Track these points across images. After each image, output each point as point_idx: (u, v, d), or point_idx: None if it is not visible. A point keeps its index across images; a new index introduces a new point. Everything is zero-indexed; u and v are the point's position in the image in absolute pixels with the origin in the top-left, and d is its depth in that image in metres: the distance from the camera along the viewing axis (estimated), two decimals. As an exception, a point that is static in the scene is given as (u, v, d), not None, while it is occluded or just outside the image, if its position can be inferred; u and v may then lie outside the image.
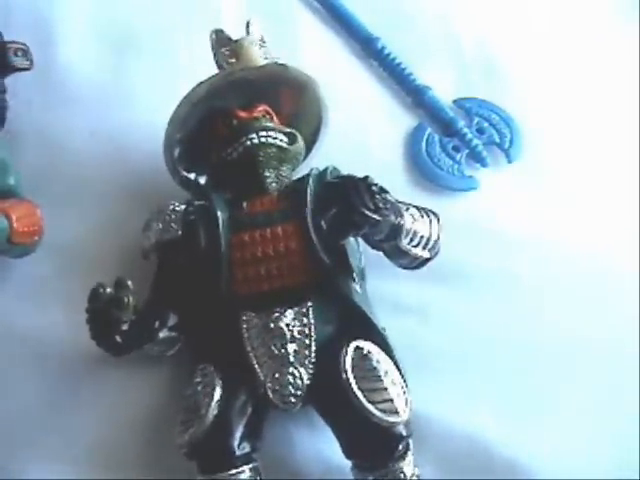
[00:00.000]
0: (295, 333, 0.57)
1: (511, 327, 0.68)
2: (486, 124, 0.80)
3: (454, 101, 0.82)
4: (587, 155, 0.79)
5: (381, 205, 0.54)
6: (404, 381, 0.57)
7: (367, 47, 0.84)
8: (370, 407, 0.54)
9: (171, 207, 0.64)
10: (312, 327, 0.58)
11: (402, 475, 0.55)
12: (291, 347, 0.57)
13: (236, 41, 0.66)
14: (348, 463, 0.57)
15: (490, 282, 0.71)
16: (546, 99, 0.83)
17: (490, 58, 0.86)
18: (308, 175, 0.63)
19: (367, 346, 0.57)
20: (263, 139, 0.63)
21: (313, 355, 0.57)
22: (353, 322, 0.59)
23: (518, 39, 0.87)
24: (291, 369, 0.57)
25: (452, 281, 0.70)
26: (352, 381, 0.55)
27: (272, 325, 0.58)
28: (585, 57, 0.86)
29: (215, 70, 0.66)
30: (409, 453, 0.56)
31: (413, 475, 0.56)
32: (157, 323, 0.60)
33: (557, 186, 0.77)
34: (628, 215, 0.76)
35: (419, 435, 0.59)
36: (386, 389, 0.55)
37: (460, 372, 0.66)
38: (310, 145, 0.71)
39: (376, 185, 0.55)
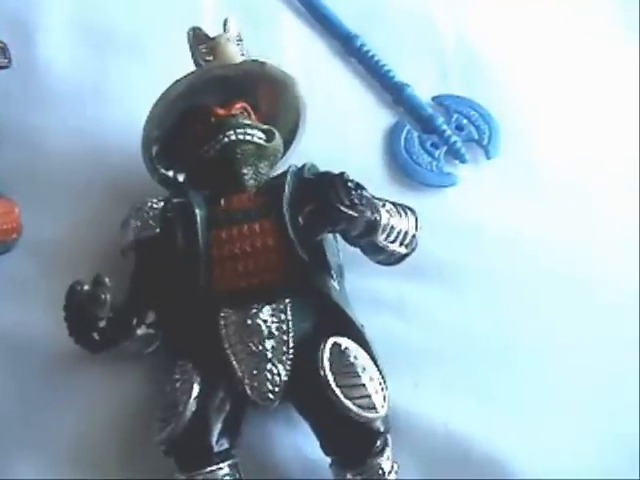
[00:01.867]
0: (273, 329, 0.57)
1: (490, 323, 0.69)
2: (465, 121, 0.80)
3: (433, 98, 0.82)
4: (565, 151, 0.80)
5: (357, 201, 0.54)
6: (382, 377, 0.58)
7: (346, 44, 0.84)
8: (348, 403, 0.54)
9: (149, 204, 0.64)
10: (290, 323, 0.58)
11: (380, 470, 0.55)
12: (269, 343, 0.57)
13: (213, 38, 0.66)
14: (327, 459, 0.57)
15: (469, 278, 0.71)
16: (525, 96, 0.83)
17: (469, 55, 0.86)
18: (286, 172, 0.63)
19: (345, 342, 0.57)
20: (241, 136, 0.63)
21: (291, 351, 0.57)
22: (331, 318, 0.59)
23: (497, 36, 0.88)
24: (269, 365, 0.57)
25: (431, 277, 0.70)
26: (330, 377, 0.55)
27: (250, 321, 0.58)
28: (564, 54, 0.87)
29: (193, 68, 0.66)
30: (387, 449, 0.56)
31: (392, 470, 0.56)
32: (135, 320, 0.60)
33: (535, 182, 0.77)
34: (607, 210, 0.76)
35: (398, 431, 0.59)
36: (364, 385, 0.55)
37: (439, 368, 0.66)
38: (288, 142, 0.71)
39: (352, 181, 0.55)
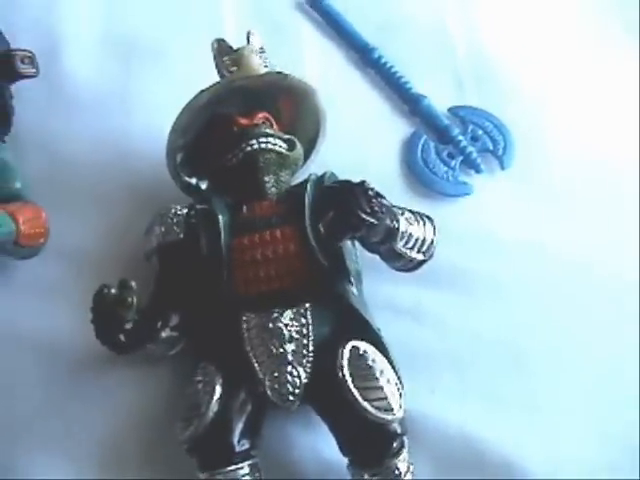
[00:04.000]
0: (293, 333, 0.59)
1: (504, 328, 0.70)
2: (480, 132, 0.82)
3: (449, 109, 0.84)
4: (579, 161, 0.81)
5: (377, 209, 0.55)
6: (399, 380, 0.59)
7: (365, 57, 0.86)
8: (366, 405, 0.55)
9: (173, 211, 0.65)
10: (310, 327, 0.59)
11: (397, 471, 0.56)
12: (289, 347, 0.58)
13: (237, 50, 0.68)
14: (344, 460, 0.58)
15: (483, 285, 0.72)
16: (539, 107, 0.84)
17: (484, 67, 0.87)
18: (306, 180, 0.64)
19: (363, 346, 0.58)
20: (263, 145, 0.65)
21: (311, 354, 0.58)
22: (350, 323, 0.60)
23: (512, 48, 0.89)
24: (289, 368, 0.58)
25: (446, 284, 0.71)
26: (348, 379, 0.56)
27: (271, 325, 0.59)
28: (578, 65, 0.88)
29: (217, 78, 0.67)
30: (404, 450, 0.57)
31: (408, 472, 0.57)
32: (159, 323, 0.61)
33: (549, 192, 0.78)
34: (621, 219, 0.77)
35: (414, 433, 0.60)
36: (381, 388, 0.56)
37: (454, 372, 0.67)
38: (309, 151, 0.72)
39: (372, 189, 0.56)
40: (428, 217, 0.64)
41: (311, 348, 0.58)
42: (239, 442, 0.57)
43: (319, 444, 0.63)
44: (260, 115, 0.67)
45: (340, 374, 0.56)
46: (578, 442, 0.65)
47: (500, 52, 0.89)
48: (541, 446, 0.64)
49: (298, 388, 0.58)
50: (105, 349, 0.60)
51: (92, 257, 0.71)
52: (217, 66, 0.68)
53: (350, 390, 0.56)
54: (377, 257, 0.64)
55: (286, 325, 0.59)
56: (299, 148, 0.68)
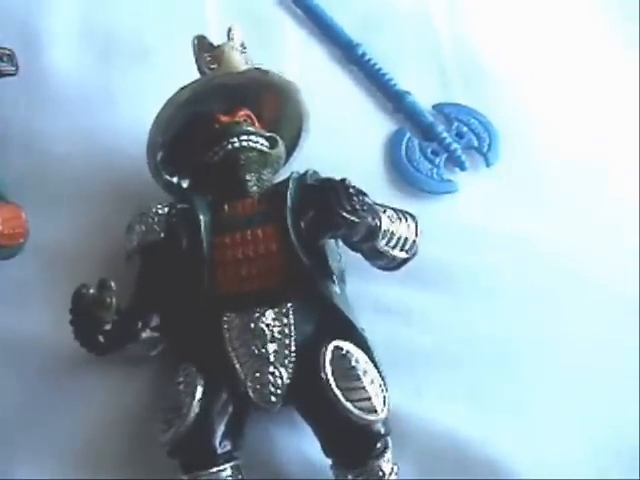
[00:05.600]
0: (275, 333, 0.58)
1: (491, 327, 0.69)
2: (465, 128, 0.81)
3: (433, 106, 0.83)
4: (565, 158, 0.80)
5: (358, 207, 0.55)
6: (383, 380, 0.58)
7: (348, 53, 0.85)
8: (349, 405, 0.55)
9: (154, 210, 0.64)
10: (292, 327, 0.58)
11: (381, 473, 0.56)
12: (271, 347, 0.58)
13: (218, 47, 0.67)
14: (328, 462, 0.58)
15: (469, 283, 0.72)
16: (525, 104, 0.84)
17: (469, 64, 0.87)
18: (288, 179, 0.64)
19: (346, 346, 0.58)
20: (244, 143, 0.64)
21: (293, 355, 0.58)
22: (333, 322, 0.60)
23: (498, 45, 0.89)
24: (271, 368, 0.57)
25: (431, 282, 0.71)
26: (331, 380, 0.56)
27: (252, 325, 0.58)
28: (563, 61, 0.88)
29: (197, 75, 0.67)
30: (388, 451, 0.57)
31: (392, 473, 0.56)
32: (140, 323, 0.60)
33: (534, 189, 0.78)
34: (608, 214, 0.77)
35: (399, 433, 0.60)
36: (364, 388, 0.56)
37: (440, 371, 0.67)
38: (291, 149, 0.72)
39: (354, 187, 0.56)
40: (411, 215, 0.64)
41: (293, 348, 0.58)
42: (221, 444, 0.57)
43: (302, 445, 0.62)
44: (241, 112, 0.67)
45: (323, 374, 0.56)
46: (564, 443, 0.64)
47: (486, 48, 0.88)
48: (527, 446, 0.63)
49: (280, 389, 0.57)
50: (84, 350, 0.59)
51: (71, 256, 0.70)
52: (197, 63, 0.68)
53: (333, 391, 0.55)
54: (360, 255, 0.63)
55: (268, 325, 0.58)
56: (281, 146, 0.67)
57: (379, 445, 0.56)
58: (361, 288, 0.67)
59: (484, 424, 0.64)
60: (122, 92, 0.81)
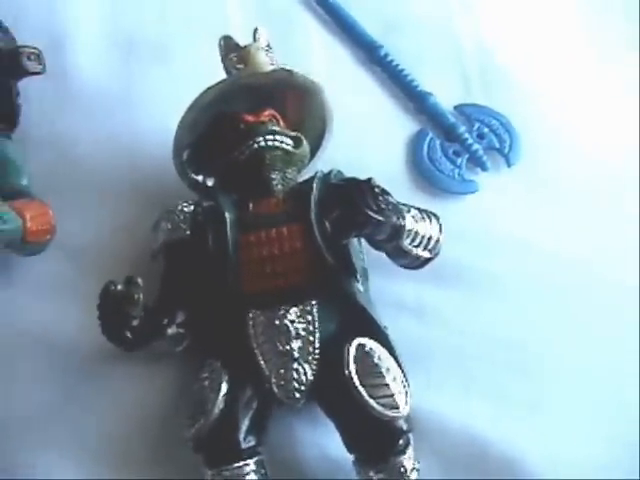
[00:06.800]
0: (299, 330, 0.59)
1: (509, 327, 0.70)
2: (486, 129, 0.81)
3: (455, 107, 0.84)
4: (586, 159, 0.81)
5: (383, 206, 0.55)
6: (405, 378, 0.59)
7: (371, 54, 0.86)
8: (372, 402, 0.56)
9: (180, 208, 0.65)
10: (316, 324, 0.59)
11: (402, 469, 0.56)
12: (296, 344, 0.58)
13: (244, 47, 0.68)
14: (350, 458, 0.58)
15: (488, 283, 0.72)
16: (546, 105, 0.84)
17: (491, 65, 0.87)
18: (313, 178, 0.64)
19: (369, 343, 0.58)
20: (270, 142, 0.65)
21: (317, 352, 0.58)
22: (356, 320, 0.60)
23: (518, 46, 0.89)
24: (295, 365, 0.58)
25: (452, 281, 0.71)
26: (354, 377, 0.56)
27: (277, 322, 0.59)
28: (585, 62, 0.88)
29: (223, 75, 0.68)
30: (409, 448, 0.57)
31: (413, 469, 0.57)
32: (166, 320, 0.61)
33: (555, 190, 0.78)
34: (627, 219, 0.77)
35: (418, 431, 0.60)
36: (387, 385, 0.57)
37: (458, 370, 0.68)
38: (315, 149, 0.72)
39: (379, 187, 0.56)
40: (434, 214, 0.64)
41: (317, 345, 0.59)
42: (245, 439, 0.58)
43: (325, 441, 0.63)
44: (267, 112, 0.67)
45: (346, 371, 0.57)
46: (580, 442, 0.65)
47: (507, 50, 0.88)
48: (543, 445, 0.64)
49: (304, 385, 0.58)
50: (111, 346, 0.60)
51: (98, 254, 0.71)
52: (224, 63, 0.68)
53: (356, 387, 0.56)
54: (383, 254, 0.64)
55: (292, 322, 0.59)
56: (305, 145, 0.68)
57: (401, 442, 0.57)
58: (382, 286, 0.68)
59: (500, 422, 0.65)
60: (144, 93, 0.81)
